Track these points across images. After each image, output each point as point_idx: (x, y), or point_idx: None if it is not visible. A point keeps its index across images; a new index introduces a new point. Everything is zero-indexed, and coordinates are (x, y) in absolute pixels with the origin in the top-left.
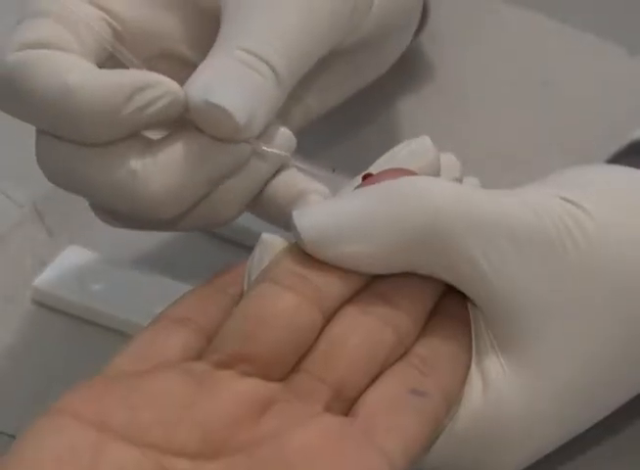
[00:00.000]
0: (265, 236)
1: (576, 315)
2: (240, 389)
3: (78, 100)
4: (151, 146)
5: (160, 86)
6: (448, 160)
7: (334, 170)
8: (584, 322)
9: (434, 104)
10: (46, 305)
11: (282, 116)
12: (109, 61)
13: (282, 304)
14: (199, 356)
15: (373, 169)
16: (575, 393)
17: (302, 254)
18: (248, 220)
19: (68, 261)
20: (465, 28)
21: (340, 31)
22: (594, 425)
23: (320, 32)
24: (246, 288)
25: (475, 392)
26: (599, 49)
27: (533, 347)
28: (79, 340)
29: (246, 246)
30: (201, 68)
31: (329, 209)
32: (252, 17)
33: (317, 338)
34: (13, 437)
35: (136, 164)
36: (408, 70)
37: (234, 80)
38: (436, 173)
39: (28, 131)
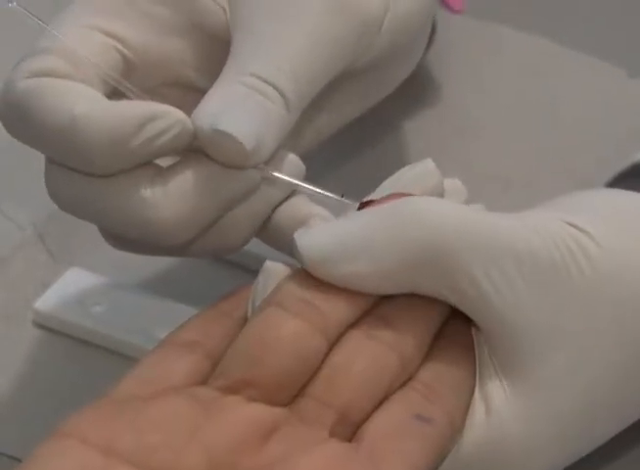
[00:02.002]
0: (268, 264)
1: (579, 339)
2: (245, 414)
3: (85, 131)
4: (161, 173)
5: (169, 117)
6: (454, 185)
7: (342, 196)
8: (587, 346)
9: (434, 126)
10: (47, 328)
11: (293, 137)
12: (117, 89)
13: (287, 329)
14: (205, 380)
15: (376, 194)
16: (578, 417)
17: (307, 278)
18: (250, 243)
19: (70, 284)
20: (466, 51)
21: (349, 54)
22: (591, 452)
23: (329, 56)
24: (249, 314)
25: (478, 416)
26: (599, 71)
27: (536, 370)
28: (80, 362)
29: (248, 268)
30: (209, 94)
31: (330, 228)
32: (261, 42)
33: (322, 362)
34: (12, 458)
35: (146, 191)
36: (409, 92)
37: (241, 106)
38: (440, 196)
39: (30, 154)
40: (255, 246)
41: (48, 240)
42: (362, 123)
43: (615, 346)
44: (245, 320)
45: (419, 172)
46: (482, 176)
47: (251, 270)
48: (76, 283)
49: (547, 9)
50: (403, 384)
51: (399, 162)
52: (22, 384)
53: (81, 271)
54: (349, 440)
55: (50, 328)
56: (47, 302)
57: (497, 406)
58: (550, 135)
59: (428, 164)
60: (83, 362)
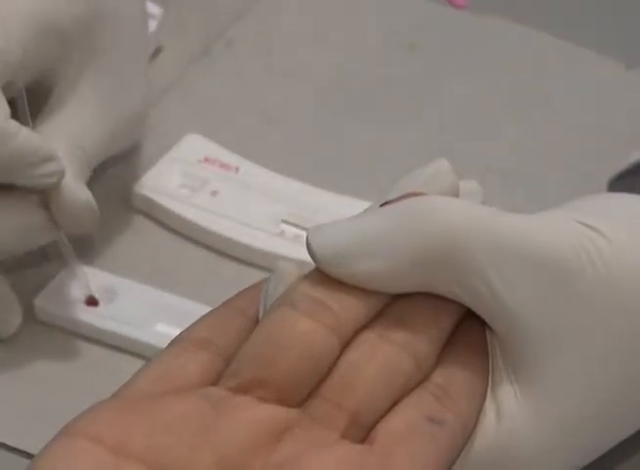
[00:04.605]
0: (281, 263)
1: (592, 341)
2: (257, 414)
3: None
4: None
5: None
6: (471, 186)
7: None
8: (599, 348)
9: (431, 120)
10: (47, 324)
11: None
12: None
13: (299, 329)
14: (218, 379)
15: (391, 194)
16: (589, 422)
17: (320, 278)
18: (260, 240)
19: (70, 279)
20: (463, 44)
21: None
22: (600, 457)
23: None
24: (261, 315)
25: (488, 420)
26: (597, 63)
27: (546, 373)
28: (81, 358)
29: (252, 265)
30: None
31: (344, 225)
32: None
33: (335, 363)
34: (13, 449)
35: None
36: (406, 86)
37: None
38: (455, 197)
39: None
40: (265, 243)
41: None
42: (362, 123)
43: (628, 347)
44: (258, 319)
45: (434, 173)
46: (481, 172)
47: (254, 267)
48: (77, 279)
49: (545, 2)
50: (418, 384)
51: (399, 160)
52: (22, 380)
53: (82, 267)
54: (361, 441)
55: (50, 324)
56: (47, 297)
57: (508, 410)
58: (548, 128)
59: (443, 165)
60: (83, 358)
